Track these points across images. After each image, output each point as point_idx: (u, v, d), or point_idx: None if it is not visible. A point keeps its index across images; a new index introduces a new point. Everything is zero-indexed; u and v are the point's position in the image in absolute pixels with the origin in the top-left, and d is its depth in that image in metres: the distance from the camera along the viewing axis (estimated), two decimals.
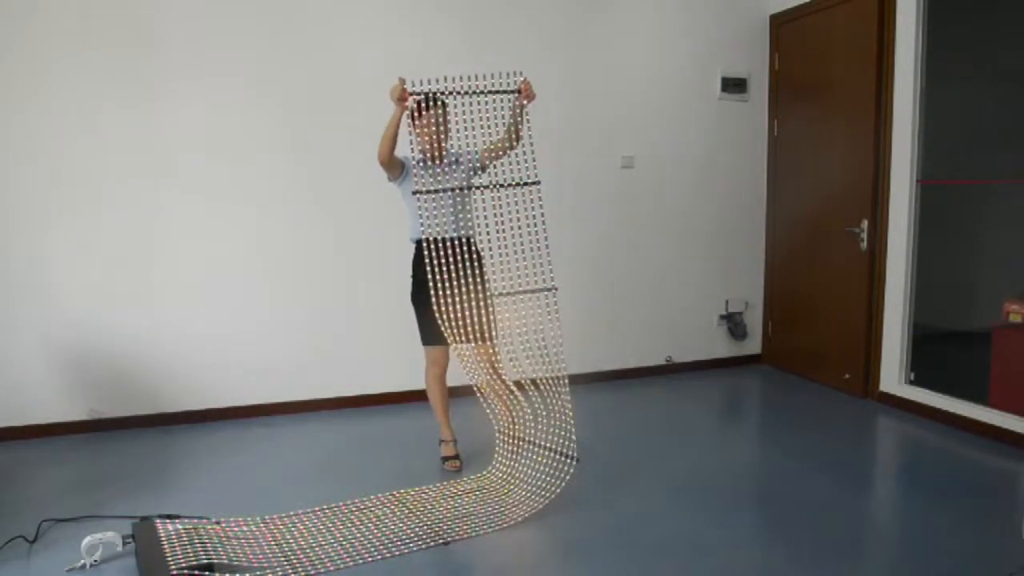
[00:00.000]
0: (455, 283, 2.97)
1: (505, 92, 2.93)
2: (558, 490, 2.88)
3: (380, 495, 3.01)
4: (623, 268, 4.80)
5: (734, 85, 4.92)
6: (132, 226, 3.83)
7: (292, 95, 4.02)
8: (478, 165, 3.21)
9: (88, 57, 3.68)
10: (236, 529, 2.70)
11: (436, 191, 3.02)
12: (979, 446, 3.59)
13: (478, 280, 3.04)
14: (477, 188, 3.06)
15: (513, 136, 3.06)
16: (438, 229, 3.03)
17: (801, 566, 2.49)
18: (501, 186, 2.99)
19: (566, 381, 2.96)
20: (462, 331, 2.98)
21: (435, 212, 3.03)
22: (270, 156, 4.01)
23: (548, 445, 3.02)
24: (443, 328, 2.98)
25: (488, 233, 2.99)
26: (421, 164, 3.11)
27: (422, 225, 2.97)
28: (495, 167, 3.14)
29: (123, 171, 3.79)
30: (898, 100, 4.07)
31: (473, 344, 3.05)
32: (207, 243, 3.96)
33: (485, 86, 2.90)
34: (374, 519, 2.80)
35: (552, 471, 2.95)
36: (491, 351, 3.12)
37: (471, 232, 3.14)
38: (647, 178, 4.78)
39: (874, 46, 4.15)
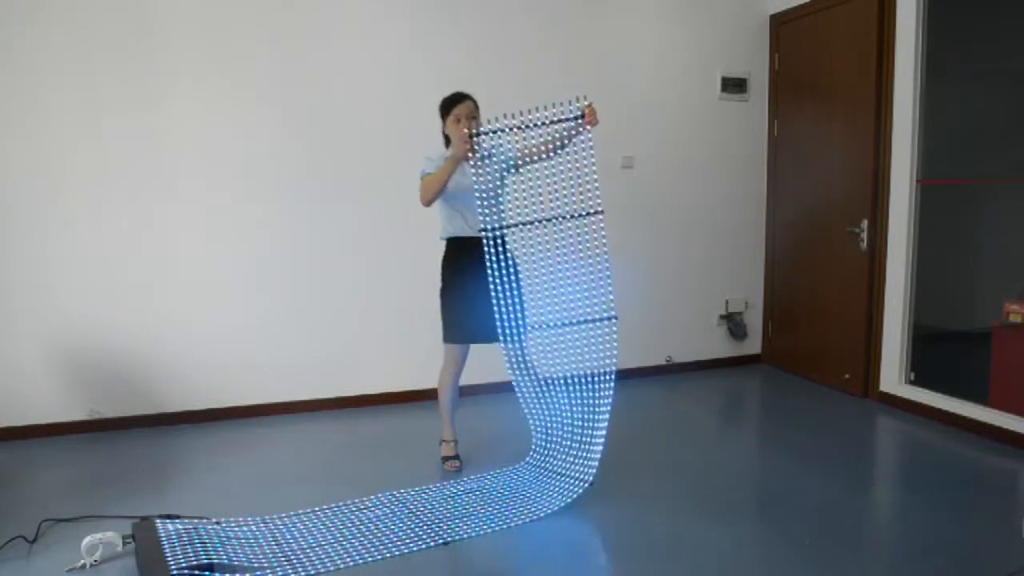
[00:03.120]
0: (482, 281, 2.96)
1: (568, 120, 2.85)
2: (561, 504, 2.89)
3: (380, 495, 3.01)
4: (623, 268, 4.79)
5: (734, 85, 4.92)
6: (132, 226, 3.83)
7: (292, 96, 4.01)
8: (512, 163, 3.08)
9: (89, 58, 3.68)
10: (236, 529, 2.69)
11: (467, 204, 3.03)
12: (979, 446, 3.59)
13: (509, 279, 2.97)
14: (540, 222, 2.94)
15: (555, 147, 2.96)
16: (467, 227, 3.07)
17: (801, 566, 2.49)
18: (564, 217, 2.92)
19: (608, 410, 2.96)
20: (483, 329, 3.01)
21: (465, 211, 3.06)
22: (270, 157, 4.01)
23: (565, 471, 3.04)
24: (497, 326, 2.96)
25: (549, 261, 2.95)
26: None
27: (482, 222, 2.92)
28: (556, 197, 2.96)
29: (123, 171, 3.78)
30: (898, 100, 4.07)
31: (497, 343, 3.03)
32: (207, 243, 3.95)
33: (548, 117, 2.84)
34: (374, 519, 2.80)
35: (558, 488, 2.98)
36: (516, 349, 3.06)
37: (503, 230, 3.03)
38: (647, 178, 4.78)
39: (874, 46, 4.15)
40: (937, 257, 4.07)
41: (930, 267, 4.07)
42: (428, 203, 3.08)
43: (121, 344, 3.85)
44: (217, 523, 2.73)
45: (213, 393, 4.02)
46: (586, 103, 2.82)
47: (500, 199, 3.07)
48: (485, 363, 4.50)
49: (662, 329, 4.94)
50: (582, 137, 2.89)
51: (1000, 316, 3.63)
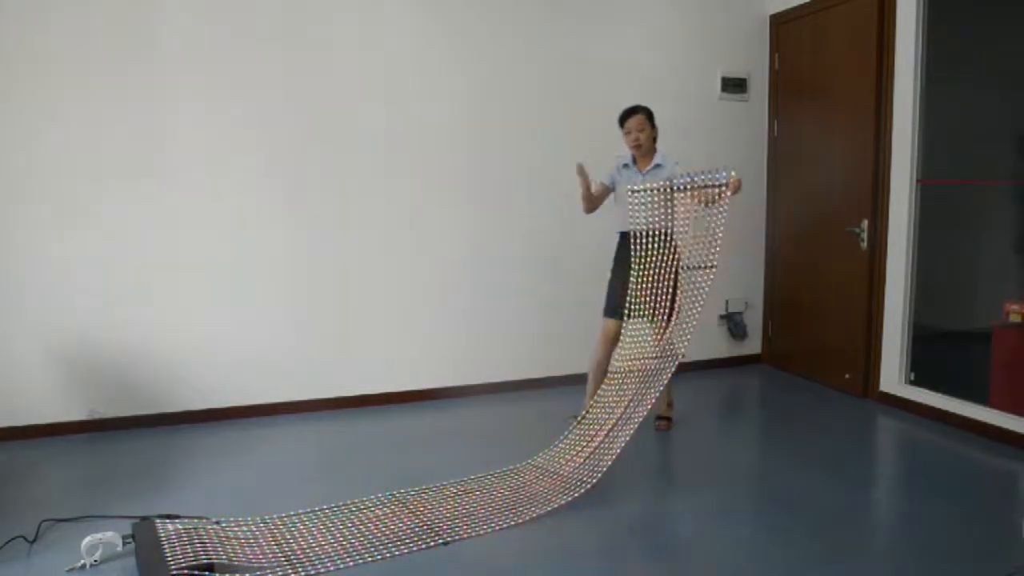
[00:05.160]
0: (633, 267, 3.44)
1: (714, 186, 3.21)
2: (557, 504, 2.90)
3: (380, 495, 3.01)
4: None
5: (734, 85, 4.92)
6: (133, 226, 3.83)
7: (293, 95, 4.01)
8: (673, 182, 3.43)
9: (89, 57, 3.67)
10: (236, 529, 2.69)
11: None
12: (979, 446, 3.59)
13: (664, 267, 3.38)
14: (667, 268, 3.38)
15: (702, 202, 3.30)
16: (631, 224, 3.49)
17: (801, 566, 2.49)
18: (686, 267, 3.30)
19: (635, 425, 3.10)
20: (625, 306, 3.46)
21: (630, 211, 3.48)
22: (271, 157, 4.01)
23: (569, 475, 3.09)
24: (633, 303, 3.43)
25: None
26: (624, 168, 3.66)
27: (629, 220, 3.45)
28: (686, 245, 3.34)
29: (123, 171, 3.78)
30: (898, 100, 4.07)
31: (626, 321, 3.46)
32: (208, 243, 3.95)
33: (699, 181, 3.24)
34: (374, 519, 2.80)
35: (559, 488, 2.98)
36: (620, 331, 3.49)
37: (666, 227, 3.39)
38: None
39: (874, 46, 4.15)
40: (937, 257, 4.07)
41: (930, 267, 4.07)
42: (587, 213, 3.76)
43: (121, 344, 3.85)
44: (217, 523, 2.73)
45: (213, 393, 4.02)
46: (734, 175, 3.16)
47: (668, 201, 3.42)
48: (486, 363, 4.52)
49: None
50: (721, 201, 3.24)
51: (1000, 316, 3.63)
